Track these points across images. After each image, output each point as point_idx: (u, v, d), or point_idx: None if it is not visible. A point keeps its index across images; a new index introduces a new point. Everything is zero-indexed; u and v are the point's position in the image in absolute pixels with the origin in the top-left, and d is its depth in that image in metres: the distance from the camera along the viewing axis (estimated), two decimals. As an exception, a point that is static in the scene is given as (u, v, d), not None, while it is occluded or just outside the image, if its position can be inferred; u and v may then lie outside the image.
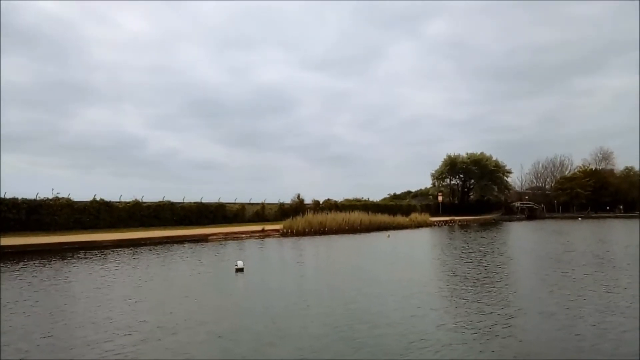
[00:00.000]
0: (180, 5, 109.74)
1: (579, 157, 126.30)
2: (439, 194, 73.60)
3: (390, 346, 7.71)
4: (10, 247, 21.61)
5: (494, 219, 69.55)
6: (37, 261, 18.52)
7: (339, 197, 54.80)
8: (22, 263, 17.97)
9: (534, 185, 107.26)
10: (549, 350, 7.63)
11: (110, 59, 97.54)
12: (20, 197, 29.49)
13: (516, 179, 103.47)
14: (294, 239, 31.16)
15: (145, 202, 37.31)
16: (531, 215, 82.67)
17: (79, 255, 20.74)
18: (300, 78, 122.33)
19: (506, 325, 8.96)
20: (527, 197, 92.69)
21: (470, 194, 78.98)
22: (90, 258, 19.73)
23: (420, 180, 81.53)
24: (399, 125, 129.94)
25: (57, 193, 31.84)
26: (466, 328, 8.82)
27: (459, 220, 58.79)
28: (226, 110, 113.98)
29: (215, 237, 29.79)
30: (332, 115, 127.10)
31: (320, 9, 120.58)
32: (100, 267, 17.21)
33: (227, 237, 30.45)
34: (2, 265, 17.46)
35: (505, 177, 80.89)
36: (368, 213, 45.48)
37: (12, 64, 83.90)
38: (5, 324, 9.23)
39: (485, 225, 52.38)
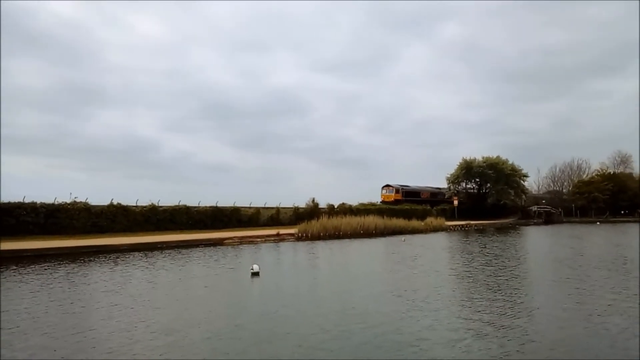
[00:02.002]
0: (194, 8, 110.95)
1: (597, 161, 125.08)
2: (455, 198, 73.08)
3: (383, 345, 7.89)
4: (29, 250, 21.91)
5: (510, 223, 68.88)
6: (53, 264, 18.74)
7: (350, 199, 54.79)
8: (38, 266, 18.20)
9: (551, 189, 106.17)
10: (544, 350, 7.66)
11: (124, 63, 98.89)
12: (39, 201, 29.88)
13: (533, 183, 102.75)
14: (309, 243, 31.18)
15: (161, 206, 37.59)
16: (548, 219, 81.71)
17: (95, 258, 20.94)
18: (312, 81, 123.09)
19: (502, 326, 9.00)
20: (544, 201, 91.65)
21: (487, 198, 78.17)
22: (107, 261, 19.93)
23: (434, 183, 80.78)
24: (411, 127, 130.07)
25: (75, 197, 32.24)
26: (463, 328, 8.93)
27: (475, 225, 58.33)
28: (239, 113, 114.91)
29: (230, 240, 29.90)
30: (344, 118, 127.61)
31: (332, 11, 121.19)
32: (116, 270, 17.40)
33: (243, 240, 30.54)
34: (19, 267, 17.68)
35: (521, 181, 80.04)
36: (383, 217, 45.29)
37: (28, 68, 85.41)
38: (13, 323, 9.41)
39: (502, 230, 51.94)
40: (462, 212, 70.47)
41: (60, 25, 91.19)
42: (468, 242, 32.77)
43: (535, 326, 9.08)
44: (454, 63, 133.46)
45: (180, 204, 39.31)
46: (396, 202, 67.93)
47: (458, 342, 8.03)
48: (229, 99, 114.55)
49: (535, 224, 73.20)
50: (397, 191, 72.30)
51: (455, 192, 77.20)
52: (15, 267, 17.71)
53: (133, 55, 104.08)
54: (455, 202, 71.22)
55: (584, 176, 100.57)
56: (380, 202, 68.19)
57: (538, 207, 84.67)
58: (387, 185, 73.93)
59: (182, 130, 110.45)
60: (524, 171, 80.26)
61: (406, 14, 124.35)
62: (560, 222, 79.56)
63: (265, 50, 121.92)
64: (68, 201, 31.66)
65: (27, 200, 29.47)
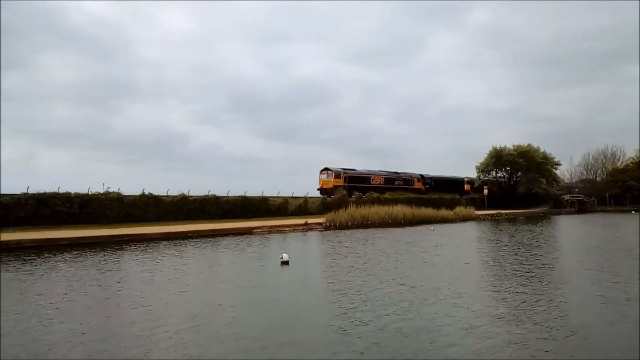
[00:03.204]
0: (221, 3, 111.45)
1: (632, 148, 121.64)
2: (485, 186, 71.98)
3: (402, 330, 8.00)
4: (65, 239, 22.57)
5: (542, 213, 67.75)
6: (87, 252, 19.25)
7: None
8: (71, 254, 18.71)
9: (584, 177, 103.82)
10: (565, 336, 7.66)
11: (155, 57, 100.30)
12: (73, 192, 30.61)
13: (565, 171, 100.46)
14: (337, 232, 31.27)
15: (191, 196, 38.10)
16: (581, 208, 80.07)
17: (127, 247, 21.45)
18: (339, 71, 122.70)
19: (524, 313, 9.01)
20: (577, 189, 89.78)
21: (518, 187, 76.76)
22: (138, 250, 20.40)
23: (463, 172, 79.25)
24: (439, 116, 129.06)
25: (108, 188, 32.97)
26: (484, 315, 9.02)
27: (506, 214, 57.56)
28: (266, 105, 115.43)
29: (259, 230, 30.19)
30: (371, 108, 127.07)
31: (359, 1, 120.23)
32: (146, 258, 17.83)
33: (271, 230, 30.81)
34: (56, 255, 18.22)
35: (553, 170, 78.42)
36: (411, 206, 45.07)
37: (62, 63, 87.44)
38: (44, 309, 9.80)
39: (533, 219, 51.19)
40: (493, 202, 69.47)
41: (93, 22, 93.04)
42: (497, 231, 32.49)
43: (558, 313, 9.06)
44: (482, 50, 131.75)
45: (210, 193, 39.77)
46: (336, 189, 55.54)
47: (477, 327, 8.10)
48: (257, 91, 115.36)
49: (568, 213, 71.87)
50: (337, 176, 58.31)
51: (486, 180, 75.98)
52: (49, 255, 18.28)
53: (163, 50, 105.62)
54: (485, 191, 70.18)
55: (619, 164, 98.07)
56: (318, 189, 57.96)
57: (571, 196, 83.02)
58: (326, 169, 59.51)
59: (211, 123, 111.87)
60: (556, 159, 78.74)
61: (433, 1, 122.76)
62: (594, 211, 77.89)
63: (292, 42, 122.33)
64: (101, 191, 32.37)
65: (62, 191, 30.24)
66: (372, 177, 63.85)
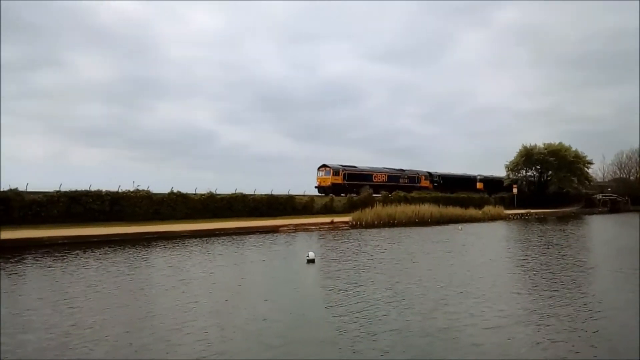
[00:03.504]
0: (248, 2, 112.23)
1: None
2: (514, 185, 70.68)
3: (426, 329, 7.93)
4: (95, 236, 23.02)
5: (573, 212, 66.40)
6: (116, 248, 19.63)
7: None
8: (102, 251, 19.10)
9: (617, 176, 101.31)
10: (591, 339, 7.54)
11: (183, 56, 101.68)
12: (104, 190, 31.24)
13: (598, 170, 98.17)
14: (363, 230, 31.21)
15: (219, 194, 38.47)
16: (614, 208, 78.20)
17: (156, 244, 21.80)
18: (366, 70, 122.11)
19: (551, 314, 8.88)
20: (609, 188, 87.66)
21: (549, 186, 75.16)
22: (166, 247, 20.73)
23: (493, 171, 77.83)
24: (468, 115, 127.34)
25: (138, 186, 33.54)
26: (510, 315, 8.87)
27: (536, 213, 56.53)
28: (294, 104, 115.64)
29: (285, 228, 30.33)
30: (398, 107, 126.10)
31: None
32: (174, 255, 18.11)
33: (297, 228, 30.92)
34: (87, 252, 18.64)
35: (585, 169, 76.54)
36: (438, 205, 44.66)
37: (93, 61, 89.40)
38: (76, 302, 9.98)
39: (563, 219, 50.23)
40: (522, 201, 68.20)
41: (122, 21, 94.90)
42: (526, 231, 32.00)
43: (585, 314, 8.90)
44: (512, 49, 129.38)
45: (237, 192, 40.09)
46: (334, 187, 52.84)
47: (502, 327, 8.01)
48: (284, 90, 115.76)
49: (600, 212, 70.30)
50: (335, 173, 54.19)
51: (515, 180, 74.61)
52: (80, 251, 18.68)
53: (191, 49, 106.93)
54: (515, 190, 68.95)
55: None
56: (316, 187, 54.19)
57: (603, 195, 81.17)
58: (324, 166, 55.27)
59: (238, 122, 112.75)
60: (588, 158, 76.93)
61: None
62: (627, 210, 76.07)
63: (319, 41, 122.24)
64: (131, 189, 32.94)
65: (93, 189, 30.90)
66: (374, 174, 59.70)
